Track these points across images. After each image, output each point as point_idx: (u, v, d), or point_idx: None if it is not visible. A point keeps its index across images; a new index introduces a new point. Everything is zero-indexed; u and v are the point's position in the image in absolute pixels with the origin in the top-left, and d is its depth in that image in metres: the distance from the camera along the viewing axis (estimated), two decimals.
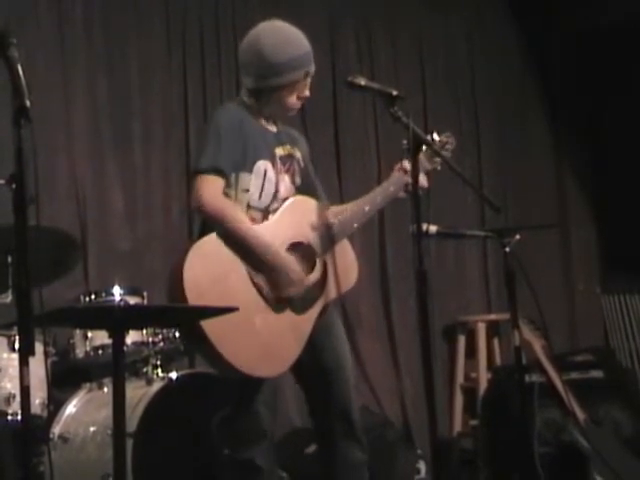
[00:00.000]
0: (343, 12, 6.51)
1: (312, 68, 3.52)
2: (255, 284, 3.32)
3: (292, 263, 3.39)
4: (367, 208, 3.55)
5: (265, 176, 3.45)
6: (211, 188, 3.34)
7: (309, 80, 3.53)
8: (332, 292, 3.50)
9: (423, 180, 3.55)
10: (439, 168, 3.60)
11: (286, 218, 3.46)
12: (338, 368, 3.51)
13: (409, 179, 3.36)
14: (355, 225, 3.54)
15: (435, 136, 3.71)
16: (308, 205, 3.52)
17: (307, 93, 3.55)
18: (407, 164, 3.55)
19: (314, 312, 3.44)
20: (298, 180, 3.58)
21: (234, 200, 3.40)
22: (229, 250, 3.31)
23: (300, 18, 5.62)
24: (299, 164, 3.61)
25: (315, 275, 3.45)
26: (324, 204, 3.58)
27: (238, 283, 3.30)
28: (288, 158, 3.56)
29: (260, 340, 3.29)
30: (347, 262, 3.55)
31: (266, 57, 3.43)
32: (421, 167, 3.56)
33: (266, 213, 3.45)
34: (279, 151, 3.53)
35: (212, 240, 3.32)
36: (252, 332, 3.27)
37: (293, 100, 3.53)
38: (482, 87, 7.00)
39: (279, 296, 3.35)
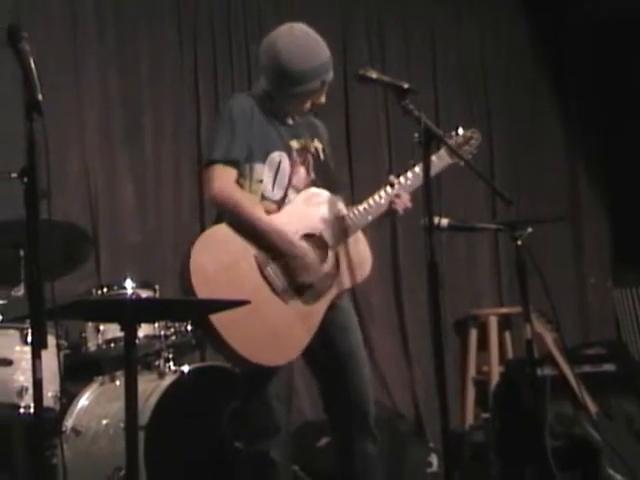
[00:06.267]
0: (355, 7, 6.50)
1: (329, 77, 3.50)
2: (264, 274, 3.33)
3: (306, 249, 3.39)
4: (383, 201, 3.54)
5: (279, 167, 3.45)
6: (224, 178, 3.36)
7: (326, 88, 3.52)
8: (344, 284, 3.49)
9: (407, 201, 3.54)
10: (462, 164, 3.55)
11: (298, 210, 3.46)
12: (352, 362, 3.51)
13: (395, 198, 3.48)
14: (370, 218, 3.52)
15: (460, 131, 3.70)
16: (321, 197, 3.51)
17: (322, 100, 3.54)
18: (393, 178, 3.56)
19: (324, 303, 3.43)
20: (314, 173, 3.57)
21: (248, 191, 3.40)
22: (240, 239, 3.32)
23: (312, 12, 5.67)
24: (317, 157, 3.59)
25: (327, 266, 3.45)
26: (338, 196, 3.57)
27: (246, 271, 3.31)
28: (304, 151, 3.55)
29: (267, 328, 3.30)
30: (360, 254, 3.54)
31: (282, 66, 3.41)
32: (443, 161, 3.56)
33: (281, 205, 3.45)
34: (294, 144, 3.52)
35: (222, 228, 3.34)
36: (259, 320, 3.28)
37: (307, 106, 3.53)
38: (494, 81, 6.98)
39: (294, 282, 3.36)
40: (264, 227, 3.34)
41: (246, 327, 3.23)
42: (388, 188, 3.54)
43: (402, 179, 3.56)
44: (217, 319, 3.18)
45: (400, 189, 3.53)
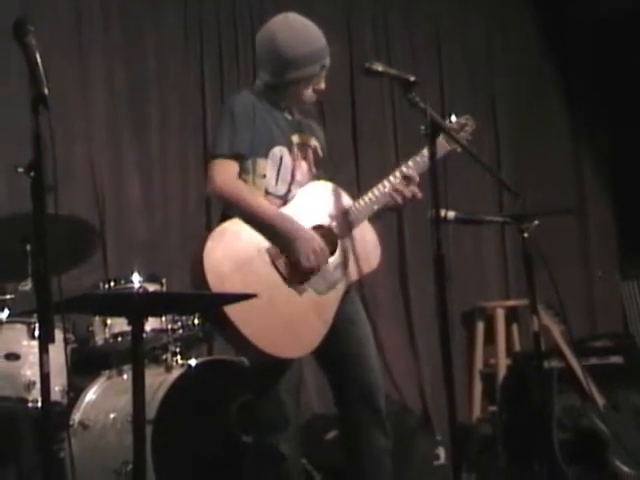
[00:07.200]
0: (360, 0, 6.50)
1: (327, 61, 3.52)
2: (277, 267, 3.33)
3: (315, 235, 3.38)
4: (387, 190, 3.54)
5: (281, 162, 3.45)
6: (227, 172, 3.36)
7: (324, 73, 3.53)
8: (353, 274, 3.50)
9: (416, 191, 3.54)
10: (459, 150, 3.57)
11: (305, 202, 3.46)
12: (360, 355, 3.51)
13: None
14: (375, 207, 3.52)
15: (453, 118, 3.70)
16: (327, 189, 3.53)
17: (323, 86, 3.55)
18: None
19: (337, 294, 3.43)
20: (315, 169, 3.58)
21: (252, 185, 3.41)
22: (252, 233, 3.32)
23: (317, 6, 5.66)
24: (316, 154, 3.61)
25: (337, 257, 3.45)
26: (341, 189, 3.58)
27: (260, 266, 3.31)
28: (304, 146, 3.56)
29: (284, 321, 3.30)
30: (368, 244, 3.55)
31: (282, 53, 3.44)
32: (441, 149, 3.56)
33: (285, 200, 3.46)
34: (295, 138, 3.53)
35: (233, 224, 3.34)
36: (275, 314, 3.28)
37: (309, 93, 3.54)
38: (499, 73, 6.98)
39: (306, 272, 3.35)
40: (269, 216, 3.34)
41: (263, 320, 3.24)
42: (391, 177, 3.55)
43: (404, 168, 3.57)
44: (233, 314, 3.17)
45: (408, 171, 3.54)
